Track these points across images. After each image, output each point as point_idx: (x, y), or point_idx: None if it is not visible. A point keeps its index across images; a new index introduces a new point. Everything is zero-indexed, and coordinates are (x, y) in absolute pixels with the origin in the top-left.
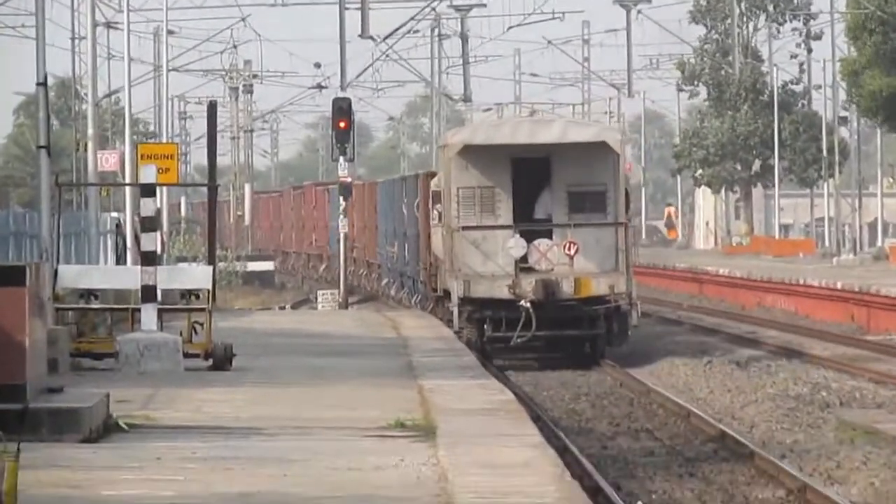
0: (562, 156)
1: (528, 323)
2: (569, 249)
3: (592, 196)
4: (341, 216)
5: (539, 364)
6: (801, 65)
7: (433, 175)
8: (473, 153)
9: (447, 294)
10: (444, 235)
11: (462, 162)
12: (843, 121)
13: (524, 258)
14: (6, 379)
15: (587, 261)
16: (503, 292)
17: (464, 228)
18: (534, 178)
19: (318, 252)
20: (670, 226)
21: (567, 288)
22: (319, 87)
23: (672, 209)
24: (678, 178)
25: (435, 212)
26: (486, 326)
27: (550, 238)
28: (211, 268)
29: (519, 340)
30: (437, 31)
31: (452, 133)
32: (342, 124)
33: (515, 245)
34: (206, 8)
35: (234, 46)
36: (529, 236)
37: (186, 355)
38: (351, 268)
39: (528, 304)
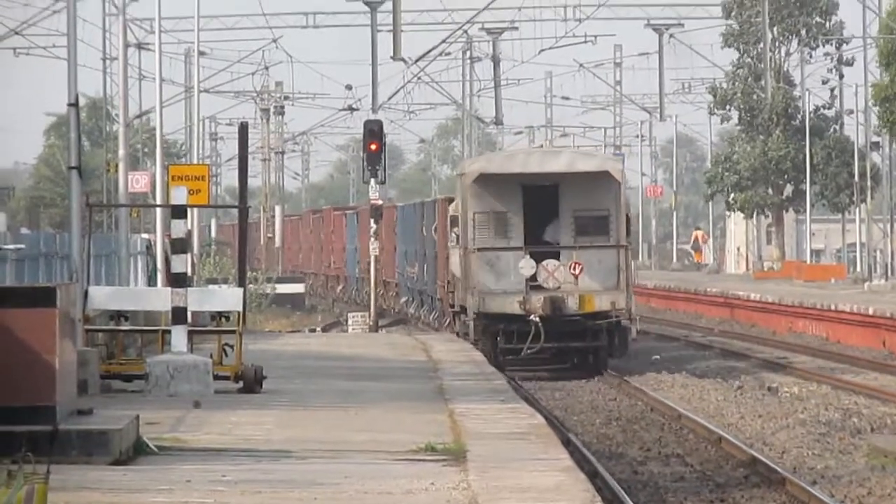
0: (569, 184)
1: (537, 335)
2: (574, 269)
3: (596, 221)
4: (372, 238)
5: (549, 374)
6: (832, 90)
7: (451, 200)
8: (488, 181)
9: (463, 309)
10: (461, 256)
11: (478, 189)
12: (875, 146)
13: (534, 277)
14: (36, 400)
15: (591, 279)
16: (515, 308)
17: (479, 250)
18: (543, 204)
19: (335, 273)
20: (697, 249)
21: (572, 304)
22: (351, 108)
23: (700, 233)
24: (710, 202)
25: (453, 234)
26: (499, 339)
27: (558, 259)
28: (241, 290)
29: (529, 351)
30: (468, 53)
31: (469, 162)
32: (373, 146)
33: (526, 265)
34: (237, 29)
35: (266, 68)
36: (539, 257)
37: (216, 377)
38: (367, 288)
39: (538, 319)
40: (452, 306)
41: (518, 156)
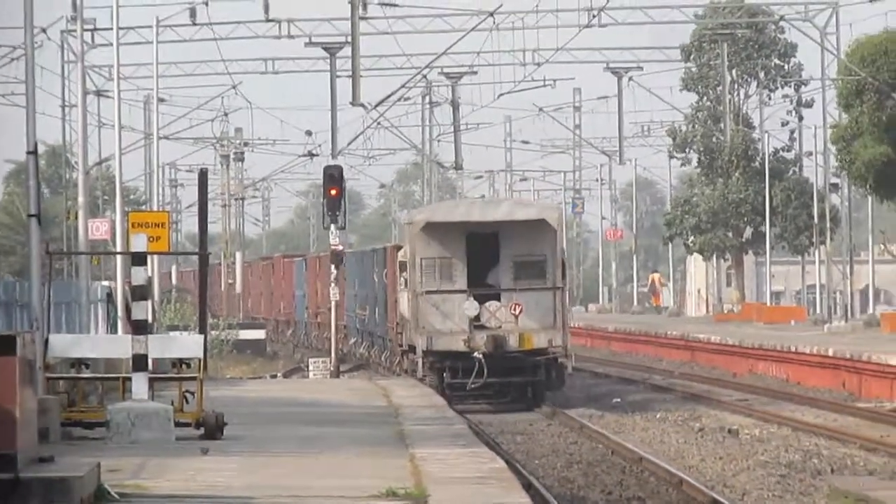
0: (508, 231)
1: (480, 371)
2: (514, 310)
3: (534, 265)
4: (332, 284)
5: (492, 407)
6: (791, 132)
7: (400, 247)
8: (434, 229)
9: (412, 348)
10: (409, 299)
11: (424, 237)
12: (835, 188)
13: (477, 317)
14: None
15: (529, 319)
16: (460, 346)
17: (426, 292)
18: (485, 250)
19: (285, 318)
20: (654, 292)
21: (513, 342)
22: (311, 154)
23: (657, 276)
24: (669, 245)
25: (402, 279)
26: (445, 374)
27: (499, 300)
28: (202, 336)
29: (473, 386)
30: (427, 98)
31: (416, 212)
32: (333, 192)
33: (470, 306)
34: (196, 76)
35: (225, 114)
36: (481, 299)
37: (178, 424)
38: (315, 332)
39: (481, 356)
40: (402, 346)
41: (461, 205)
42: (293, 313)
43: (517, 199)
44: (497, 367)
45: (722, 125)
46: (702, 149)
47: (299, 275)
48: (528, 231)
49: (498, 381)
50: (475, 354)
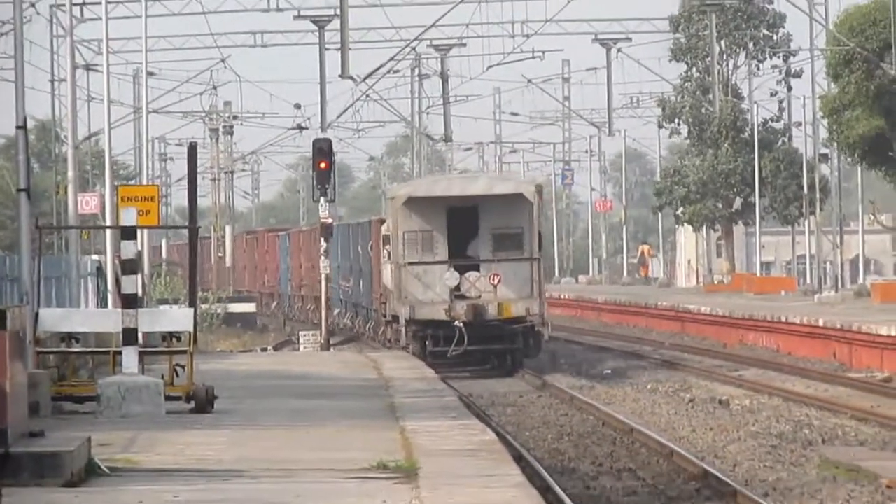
0: (487, 205)
1: (461, 339)
2: (493, 280)
3: (512, 237)
4: (322, 257)
5: (469, 371)
6: (780, 102)
7: (383, 221)
8: (416, 203)
9: (395, 318)
10: (392, 270)
11: (407, 211)
12: (824, 158)
13: (458, 287)
14: None
15: (508, 289)
16: (441, 315)
17: (409, 264)
18: (465, 223)
19: (269, 291)
20: (643, 263)
21: (492, 311)
22: (300, 127)
23: (646, 247)
24: (659, 216)
25: (385, 251)
26: (427, 342)
27: (478, 271)
28: (192, 310)
29: (454, 353)
30: (417, 70)
31: (399, 187)
32: (323, 165)
33: (450, 277)
34: (185, 49)
35: (214, 88)
36: (462, 270)
37: (168, 398)
38: (298, 304)
39: (461, 324)
40: (386, 315)
41: (442, 180)
42: (277, 286)
43: (495, 174)
44: (477, 335)
45: (711, 96)
46: (691, 119)
47: (283, 248)
48: (505, 205)
49: (478, 349)
50: (456, 323)
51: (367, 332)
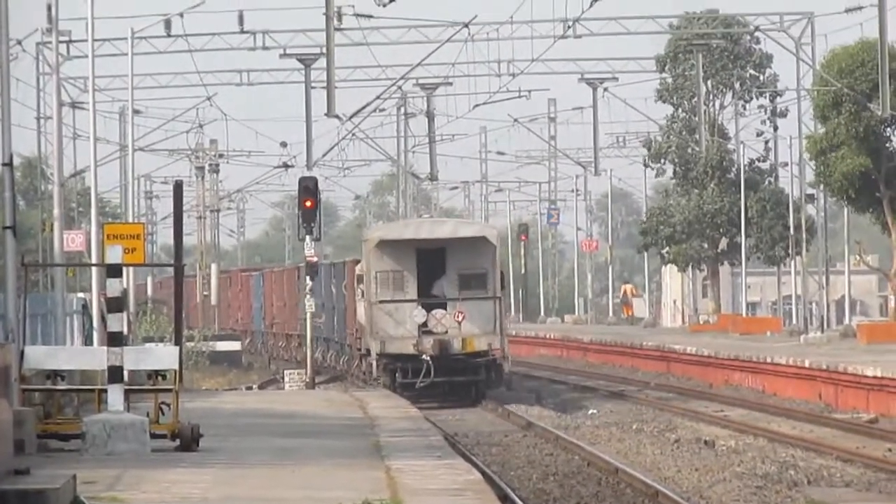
0: (453, 247)
1: (428, 371)
2: (458, 317)
3: (476, 277)
4: (307, 295)
5: (436, 401)
6: (767, 142)
7: (357, 262)
8: (387, 245)
9: (368, 352)
10: (365, 307)
11: (379, 252)
12: (810, 198)
13: (425, 323)
14: None
15: (472, 325)
16: (410, 349)
17: (381, 302)
18: (432, 264)
19: (244, 328)
20: (626, 303)
21: (457, 345)
22: (286, 166)
23: (629, 287)
24: (645, 255)
25: (359, 290)
26: (397, 374)
27: (444, 308)
28: (178, 348)
29: (422, 384)
30: (403, 109)
31: (372, 230)
32: (308, 203)
33: (419, 314)
34: (171, 87)
35: (200, 126)
36: (429, 307)
37: (153, 436)
38: (270, 341)
39: (429, 358)
40: (360, 349)
41: (411, 224)
42: (251, 323)
43: (460, 219)
44: (443, 368)
45: (697, 136)
46: (677, 159)
47: (257, 287)
48: (470, 247)
49: (444, 381)
50: (423, 357)
51: (340, 365)
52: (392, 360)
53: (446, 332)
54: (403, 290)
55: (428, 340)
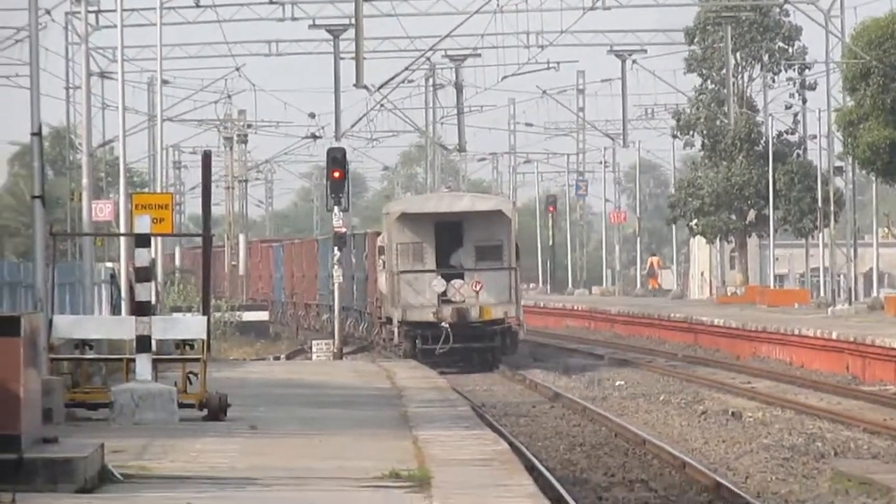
0: (470, 220)
1: (447, 338)
2: (475, 287)
3: (492, 249)
4: (335, 266)
5: (454, 367)
6: (795, 115)
7: (378, 234)
8: (408, 219)
9: (389, 320)
10: (387, 277)
11: (400, 225)
12: (839, 171)
13: (444, 293)
14: (1, 429)
15: (488, 294)
16: (430, 317)
17: (401, 272)
18: (451, 236)
19: (264, 298)
20: (652, 275)
21: (474, 314)
22: (314, 136)
23: (655, 259)
24: (673, 227)
25: (381, 261)
26: (417, 341)
27: (462, 279)
28: (205, 318)
29: (441, 351)
30: (431, 80)
31: (393, 204)
32: (336, 174)
33: (438, 284)
34: (200, 58)
35: (229, 96)
36: (448, 277)
37: (181, 405)
38: (290, 310)
39: (447, 325)
40: (380, 318)
41: (431, 198)
42: (271, 293)
43: (478, 193)
44: (461, 335)
45: (726, 108)
46: (705, 131)
47: (277, 259)
48: (487, 220)
49: (462, 347)
50: (442, 324)
51: (360, 332)
52: (413, 328)
53: (464, 301)
54: (423, 261)
55: (447, 309)
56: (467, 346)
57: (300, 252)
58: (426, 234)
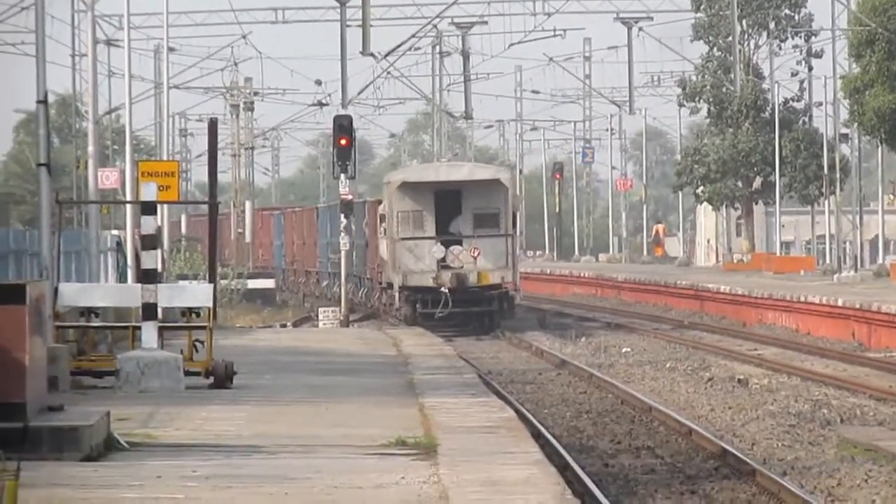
0: (469, 189)
1: (446, 303)
2: (473, 253)
3: (489, 216)
4: (342, 233)
5: (453, 330)
6: (801, 82)
7: (379, 202)
8: (408, 187)
9: (390, 285)
10: (388, 244)
11: (400, 193)
12: (844, 138)
13: (443, 259)
14: (6, 397)
15: (486, 261)
16: (429, 282)
17: (402, 239)
18: (450, 204)
19: (264, 265)
20: (657, 242)
21: (472, 279)
22: (320, 104)
23: (661, 226)
24: (679, 194)
25: (381, 228)
26: (417, 305)
27: (461, 245)
28: (211, 285)
29: (440, 315)
30: (438, 48)
31: (394, 173)
32: (343, 142)
33: (437, 250)
34: (206, 25)
35: (235, 64)
36: (447, 244)
37: (187, 373)
38: (291, 277)
39: (447, 290)
40: (381, 283)
41: (431, 167)
42: (271, 260)
43: (476, 162)
44: (459, 300)
45: (732, 75)
46: (712, 99)
47: (277, 227)
48: (485, 189)
49: (460, 311)
50: (442, 289)
51: (359, 298)
52: (413, 293)
53: (462, 266)
54: (423, 229)
55: (446, 274)
56: (466, 310)
57: (300, 220)
58: (426, 202)
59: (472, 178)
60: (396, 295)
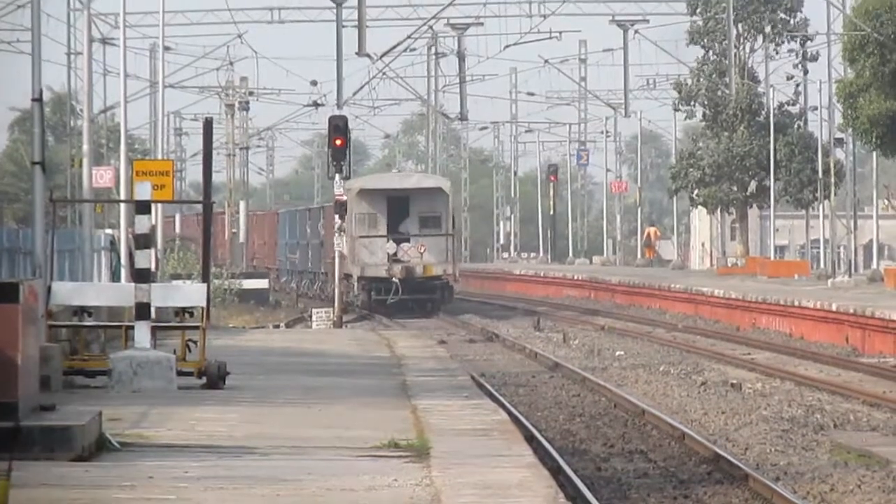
0: (416, 195)
1: (397, 291)
2: (420, 249)
3: (433, 219)
4: (337, 234)
5: (403, 314)
6: (797, 86)
7: (331, 206)
8: (365, 193)
9: (348, 276)
10: (347, 242)
11: (358, 198)
12: (839, 142)
13: (395, 254)
14: None
15: (430, 255)
16: (382, 273)
17: (360, 237)
18: (399, 208)
19: (222, 263)
20: (648, 245)
21: (419, 271)
22: (316, 104)
23: (653, 229)
24: (674, 198)
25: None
26: (372, 293)
27: (409, 242)
28: (205, 285)
29: (391, 301)
30: (433, 49)
31: (353, 182)
32: (338, 142)
33: (390, 246)
34: (202, 24)
35: (231, 63)
36: (397, 241)
37: (180, 373)
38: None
39: (397, 280)
40: (335, 276)
41: (385, 177)
42: (264, 260)
43: (422, 173)
44: (408, 288)
45: (727, 79)
46: (707, 102)
47: (260, 229)
48: (429, 195)
49: (409, 298)
50: (393, 279)
51: (313, 290)
52: (368, 282)
53: (410, 260)
54: (377, 228)
55: (397, 267)
56: (413, 296)
57: (262, 222)
58: (380, 206)
59: (419, 186)
60: (355, 284)
